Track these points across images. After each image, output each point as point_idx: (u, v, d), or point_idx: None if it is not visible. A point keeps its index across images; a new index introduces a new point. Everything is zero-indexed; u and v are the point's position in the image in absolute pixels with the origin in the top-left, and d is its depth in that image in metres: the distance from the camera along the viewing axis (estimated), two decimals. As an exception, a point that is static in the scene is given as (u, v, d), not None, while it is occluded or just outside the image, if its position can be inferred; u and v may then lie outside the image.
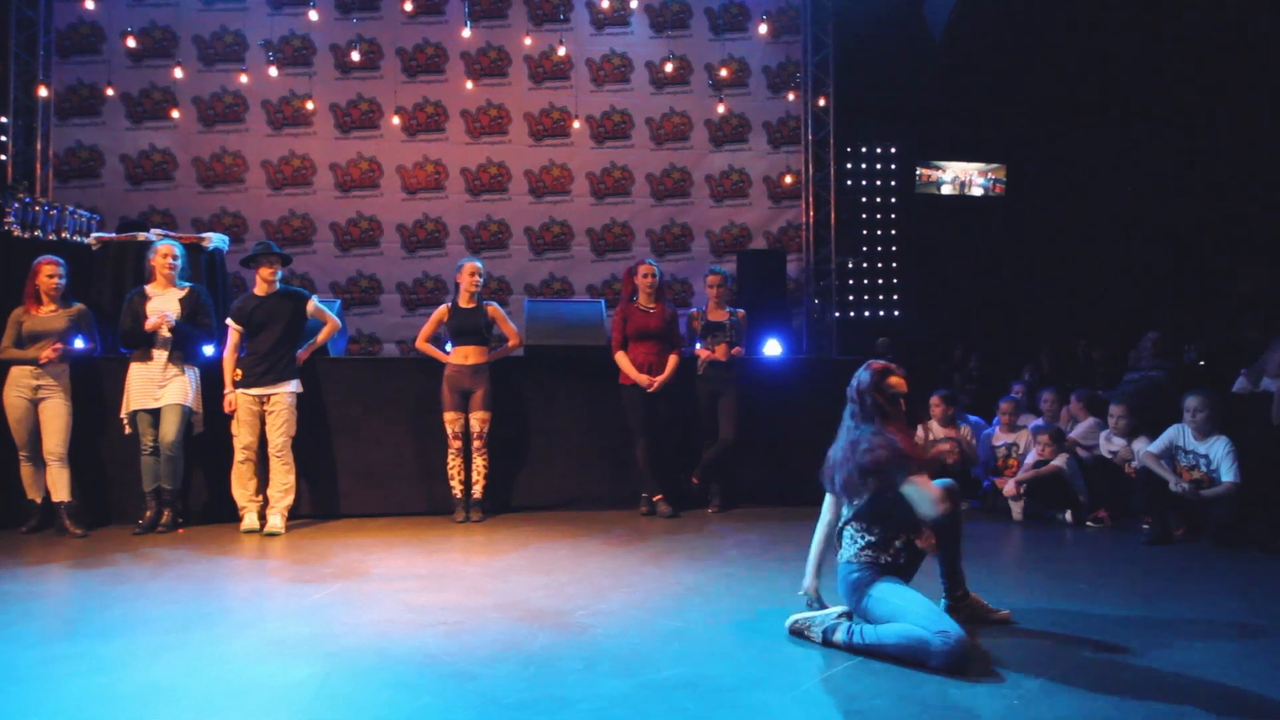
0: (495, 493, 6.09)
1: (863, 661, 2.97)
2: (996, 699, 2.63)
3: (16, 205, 6.65)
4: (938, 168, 11.25)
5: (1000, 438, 6.59)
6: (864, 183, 11.08)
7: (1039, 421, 6.57)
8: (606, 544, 5.08)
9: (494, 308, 6.02)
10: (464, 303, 5.93)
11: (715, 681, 2.81)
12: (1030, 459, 6.14)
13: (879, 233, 11.06)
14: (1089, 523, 5.84)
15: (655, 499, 6.00)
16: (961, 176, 11.29)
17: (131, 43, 9.53)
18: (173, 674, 2.87)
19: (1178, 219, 10.77)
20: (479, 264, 6.02)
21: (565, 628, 3.40)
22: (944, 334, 10.40)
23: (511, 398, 6.21)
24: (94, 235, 6.80)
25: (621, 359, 6.06)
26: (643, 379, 5.97)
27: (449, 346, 6.01)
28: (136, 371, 5.39)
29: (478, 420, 5.82)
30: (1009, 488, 6.10)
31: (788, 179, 10.41)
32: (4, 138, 9.45)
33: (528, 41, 10.02)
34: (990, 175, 11.32)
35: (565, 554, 4.81)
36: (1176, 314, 9.84)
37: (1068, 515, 5.90)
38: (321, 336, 5.81)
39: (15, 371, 5.28)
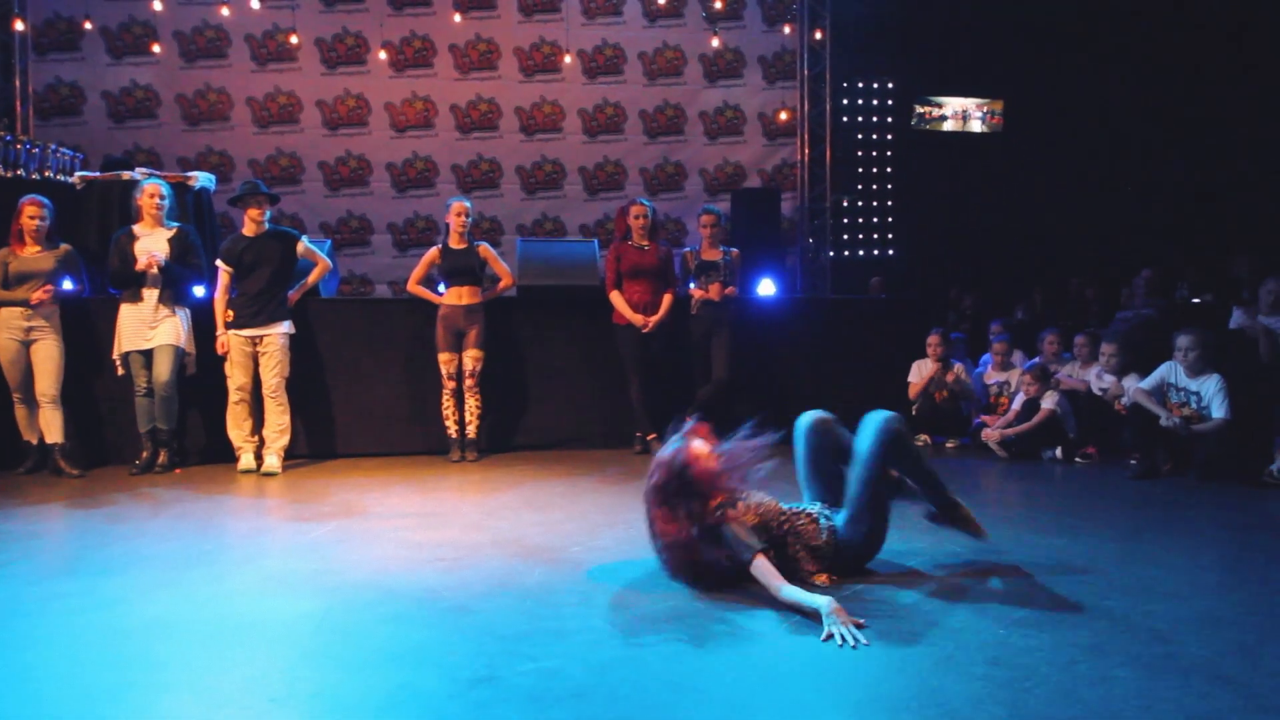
0: (490, 433, 6.13)
1: (849, 592, 3.03)
2: (982, 630, 2.69)
3: (-2, 144, 6.54)
4: (936, 103, 11.09)
5: (992, 376, 6.63)
6: (860, 119, 10.90)
7: (1032, 361, 6.60)
8: (601, 482, 5.14)
9: (485, 247, 5.98)
10: (455, 243, 5.88)
11: (707, 613, 2.87)
12: (1019, 400, 6.18)
13: (874, 170, 10.91)
14: (1078, 459, 5.91)
15: (649, 438, 6.04)
16: (960, 111, 11.13)
17: (108, -27, 9.25)
18: (175, 609, 2.92)
19: (1173, 156, 10.67)
20: (467, 203, 5.96)
21: (560, 563, 3.45)
22: (939, 272, 10.36)
23: (505, 338, 6.21)
24: (78, 174, 6.69)
25: (616, 298, 6.04)
26: (637, 319, 5.97)
27: (442, 288, 5.98)
28: (127, 313, 5.37)
29: (470, 359, 5.83)
30: (991, 434, 6.16)
31: (783, 115, 10.26)
32: (-19, 74, 9.23)
33: (516, -27, 9.77)
34: (987, 109, 11.16)
35: (560, 492, 4.86)
36: (1170, 252, 9.81)
37: (1057, 452, 5.97)
38: (312, 277, 5.78)
39: (6, 313, 5.25)
